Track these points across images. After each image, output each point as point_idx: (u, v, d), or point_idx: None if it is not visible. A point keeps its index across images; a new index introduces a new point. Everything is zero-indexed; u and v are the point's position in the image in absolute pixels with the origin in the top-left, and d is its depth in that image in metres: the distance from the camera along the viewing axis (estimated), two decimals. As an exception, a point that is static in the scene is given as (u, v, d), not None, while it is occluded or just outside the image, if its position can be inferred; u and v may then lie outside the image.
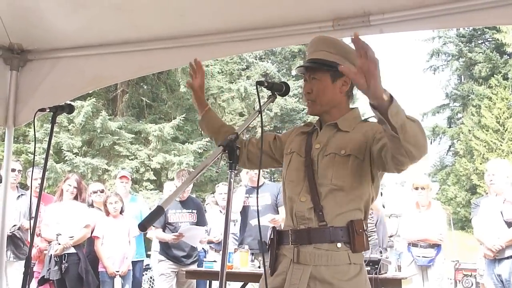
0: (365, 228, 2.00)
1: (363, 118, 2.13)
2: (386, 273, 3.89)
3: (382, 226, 6.07)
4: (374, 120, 1.98)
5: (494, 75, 24.88)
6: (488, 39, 28.63)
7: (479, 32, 28.40)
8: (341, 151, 1.99)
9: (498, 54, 26.59)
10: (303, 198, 2.00)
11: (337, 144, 2.01)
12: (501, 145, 22.74)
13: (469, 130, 25.06)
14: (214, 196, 7.44)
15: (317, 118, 2.19)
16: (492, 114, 23.43)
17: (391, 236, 7.05)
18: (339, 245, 1.95)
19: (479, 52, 27.47)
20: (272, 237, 2.09)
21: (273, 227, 2.12)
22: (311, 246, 1.96)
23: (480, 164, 21.77)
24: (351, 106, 2.16)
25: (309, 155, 2.06)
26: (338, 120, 2.07)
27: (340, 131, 2.06)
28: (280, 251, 2.06)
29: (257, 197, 1.71)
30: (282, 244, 2.06)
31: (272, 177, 21.05)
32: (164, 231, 5.62)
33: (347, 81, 2.08)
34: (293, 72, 23.01)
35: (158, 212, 1.41)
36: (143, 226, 1.43)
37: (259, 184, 5.59)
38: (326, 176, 1.98)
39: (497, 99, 23.65)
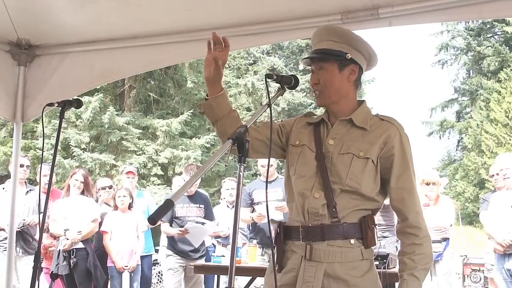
0: (375, 223, 1.99)
1: (373, 114, 2.09)
2: (394, 267, 3.87)
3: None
4: (384, 118, 2.05)
5: (503, 69, 24.71)
6: (497, 33, 28.44)
7: (488, 26, 28.21)
8: (360, 153, 1.96)
9: (507, 47, 26.40)
10: (317, 194, 1.95)
11: (356, 145, 1.98)
12: (510, 139, 22.61)
13: (477, 124, 24.95)
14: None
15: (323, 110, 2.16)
16: (501, 108, 23.28)
17: None
18: (352, 241, 1.94)
19: (488, 46, 27.29)
20: (278, 232, 2.05)
21: (279, 222, 2.09)
22: (324, 243, 1.93)
23: (489, 158, 21.67)
24: (358, 98, 2.13)
25: (320, 149, 2.01)
26: (352, 115, 2.03)
27: (355, 127, 2.02)
28: (287, 247, 2.03)
29: (266, 192, 1.71)
30: (290, 240, 2.02)
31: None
32: (171, 225, 5.63)
33: (354, 70, 2.05)
34: (301, 67, 22.93)
35: (168, 205, 1.40)
36: (153, 219, 1.42)
37: (271, 179, 5.58)
38: (340, 176, 1.95)
39: (506, 93, 23.50)
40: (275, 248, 2.06)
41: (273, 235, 2.10)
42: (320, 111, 2.19)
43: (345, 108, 2.06)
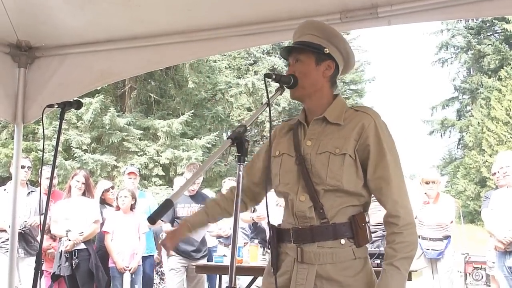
0: (367, 221, 1.97)
1: (349, 106, 2.08)
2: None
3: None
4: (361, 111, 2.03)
5: (504, 67, 24.68)
6: (497, 31, 28.41)
7: (488, 24, 28.19)
8: (336, 150, 1.94)
9: (507, 45, 26.36)
10: (302, 198, 1.95)
11: (331, 142, 1.96)
12: (511, 137, 22.59)
13: (478, 122, 24.93)
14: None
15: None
16: (502, 106, 23.25)
17: None
18: (342, 241, 1.92)
19: (488, 44, 27.26)
20: (271, 235, 2.05)
21: (272, 225, 2.07)
22: (315, 244, 1.93)
23: (490, 156, 21.65)
24: (334, 92, 2.10)
25: (299, 152, 2.00)
26: (325, 112, 2.02)
27: (330, 123, 2.01)
28: (281, 249, 2.03)
29: (266, 194, 1.72)
30: (283, 242, 2.02)
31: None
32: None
33: (331, 65, 2.04)
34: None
35: (167, 205, 1.41)
36: (152, 219, 1.43)
37: None
38: (321, 176, 1.94)
39: (507, 91, 23.47)
40: (270, 250, 2.08)
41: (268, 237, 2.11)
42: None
43: (319, 104, 2.04)
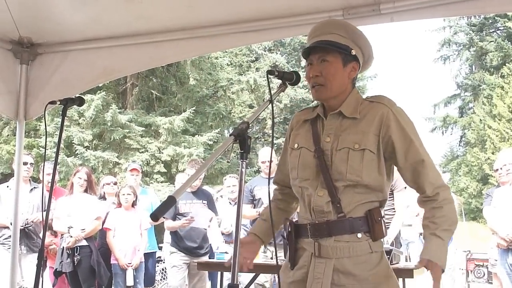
0: (382, 215, 1.98)
1: (364, 97, 2.08)
2: (398, 263, 3.87)
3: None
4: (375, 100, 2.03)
5: (506, 64, 24.60)
6: (500, 28, 28.33)
7: (490, 21, 28.10)
8: (355, 145, 1.94)
9: (509, 42, 26.30)
10: (321, 193, 1.96)
11: (350, 137, 1.96)
12: (513, 134, 22.55)
13: (480, 119, 24.87)
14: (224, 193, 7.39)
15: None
16: (504, 103, 23.19)
17: None
18: (359, 235, 1.93)
19: (490, 41, 27.18)
20: (289, 230, 2.06)
21: (290, 221, 2.09)
22: (332, 238, 1.94)
23: (492, 153, 21.60)
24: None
25: (319, 146, 2.00)
26: (341, 107, 2.01)
27: (347, 118, 1.99)
28: (299, 245, 2.04)
29: (268, 189, 1.71)
30: (300, 237, 2.03)
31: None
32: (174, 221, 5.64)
33: (355, 67, 2.03)
34: (303, 63, 22.91)
35: (170, 202, 1.40)
36: (155, 216, 1.43)
37: (273, 176, 5.56)
38: (341, 172, 1.93)
39: (509, 88, 23.39)
40: (288, 246, 2.08)
41: (285, 233, 2.11)
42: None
43: (340, 102, 2.03)
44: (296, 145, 2.08)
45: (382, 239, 1.99)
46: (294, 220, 2.10)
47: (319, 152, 1.98)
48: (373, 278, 1.92)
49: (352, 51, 2.00)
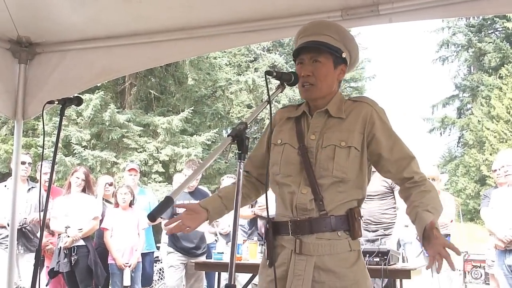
0: (361, 215, 2.03)
1: (346, 98, 2.13)
2: (395, 264, 3.88)
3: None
4: (359, 100, 2.08)
5: (504, 65, 24.66)
6: (498, 29, 28.38)
7: (488, 22, 28.15)
8: (341, 143, 1.98)
9: (508, 43, 26.35)
10: (304, 190, 1.98)
11: (335, 135, 2.00)
12: (511, 136, 22.58)
13: (478, 120, 24.92)
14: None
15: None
16: (503, 105, 23.24)
17: None
18: (340, 233, 1.97)
19: (489, 42, 27.22)
20: (267, 228, 2.07)
21: (268, 219, 2.09)
22: (313, 236, 1.96)
23: (490, 155, 21.65)
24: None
25: (303, 143, 2.03)
26: (328, 105, 2.05)
27: (332, 117, 2.04)
28: (277, 242, 2.05)
29: (266, 189, 1.71)
30: (279, 235, 2.04)
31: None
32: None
33: (343, 69, 2.09)
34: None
35: (167, 202, 1.40)
36: (153, 216, 1.43)
37: None
38: (327, 168, 1.97)
39: (507, 89, 23.45)
40: (265, 243, 2.09)
41: (262, 230, 2.12)
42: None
43: (326, 102, 2.08)
44: (279, 141, 2.10)
45: (359, 239, 2.03)
46: (271, 218, 2.10)
47: (303, 149, 2.01)
48: (352, 275, 1.97)
49: (343, 53, 2.05)
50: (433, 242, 1.79)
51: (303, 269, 1.95)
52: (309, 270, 1.95)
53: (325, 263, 1.95)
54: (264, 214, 5.40)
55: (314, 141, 2.01)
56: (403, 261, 4.12)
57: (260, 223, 1.90)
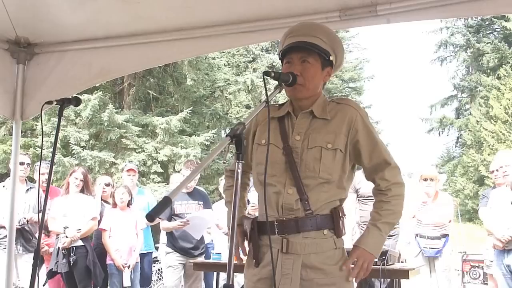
0: (344, 214, 2.07)
1: (329, 99, 2.16)
2: (393, 264, 3.88)
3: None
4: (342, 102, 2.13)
5: (503, 66, 24.68)
6: (496, 29, 28.41)
7: (487, 22, 28.18)
8: (328, 145, 2.02)
9: (506, 44, 26.35)
10: (290, 191, 2.01)
11: (321, 137, 2.03)
12: (510, 136, 22.59)
13: (477, 121, 24.92)
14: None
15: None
16: (501, 105, 23.25)
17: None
18: (325, 232, 2.02)
19: (487, 43, 27.23)
20: (252, 228, 2.11)
21: (253, 219, 2.14)
22: (300, 235, 2.00)
23: (488, 155, 21.65)
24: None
25: (287, 143, 2.06)
26: (312, 106, 2.09)
27: (316, 118, 2.07)
28: (263, 242, 2.08)
29: (264, 189, 1.71)
30: (264, 234, 2.06)
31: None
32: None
33: (329, 72, 2.13)
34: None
35: (165, 202, 1.41)
36: (151, 216, 1.42)
37: None
38: (313, 169, 2.01)
39: (505, 89, 23.46)
40: (251, 243, 2.12)
41: (248, 231, 2.13)
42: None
43: (310, 103, 2.11)
44: (263, 141, 2.12)
45: (342, 237, 2.09)
46: (256, 218, 2.14)
47: (288, 150, 2.04)
48: (339, 272, 2.01)
49: (330, 56, 2.08)
50: (346, 262, 2.04)
51: (291, 268, 1.99)
52: (296, 269, 1.98)
53: (311, 262, 1.99)
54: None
55: (299, 141, 2.04)
56: (399, 261, 4.12)
57: (245, 223, 1.90)
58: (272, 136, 2.09)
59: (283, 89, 2.06)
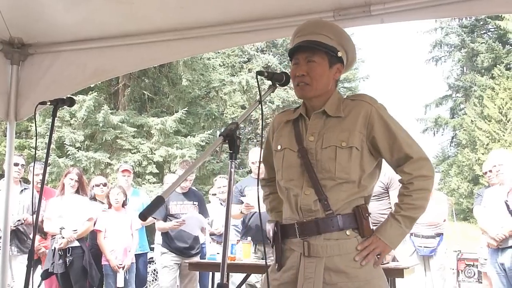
0: (369, 213, 2.01)
1: (345, 96, 2.11)
2: (388, 263, 3.89)
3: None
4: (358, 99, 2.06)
5: (497, 65, 24.79)
6: (491, 29, 28.54)
7: (481, 22, 28.30)
8: (342, 143, 1.96)
9: (500, 44, 26.47)
10: (307, 191, 1.97)
11: (335, 135, 1.98)
12: (503, 135, 22.70)
13: (471, 120, 25.01)
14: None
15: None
16: (495, 105, 23.36)
17: None
18: (348, 232, 1.95)
19: (482, 43, 27.35)
20: (275, 231, 2.06)
21: (276, 221, 2.09)
22: (321, 237, 1.94)
23: (483, 154, 21.73)
24: None
25: (302, 145, 2.02)
26: (325, 106, 2.04)
27: (330, 117, 2.03)
28: (286, 246, 2.04)
29: (257, 189, 1.72)
30: (287, 238, 2.03)
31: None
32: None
33: (340, 69, 2.07)
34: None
35: (158, 202, 1.40)
36: (143, 215, 1.42)
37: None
38: (329, 170, 1.95)
39: (500, 89, 23.58)
40: (274, 247, 2.07)
41: (270, 234, 2.10)
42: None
43: (323, 101, 2.06)
44: (279, 147, 2.10)
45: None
46: (279, 221, 2.09)
47: (303, 152, 2.00)
48: (364, 275, 1.93)
49: (339, 53, 2.03)
50: (364, 243, 1.96)
51: (313, 272, 1.93)
52: (319, 273, 1.92)
53: (335, 264, 1.93)
54: (251, 222, 5.40)
55: (313, 142, 2.00)
56: (393, 260, 4.13)
57: (268, 226, 1.89)
58: (287, 140, 2.07)
59: (276, 89, 2.05)
